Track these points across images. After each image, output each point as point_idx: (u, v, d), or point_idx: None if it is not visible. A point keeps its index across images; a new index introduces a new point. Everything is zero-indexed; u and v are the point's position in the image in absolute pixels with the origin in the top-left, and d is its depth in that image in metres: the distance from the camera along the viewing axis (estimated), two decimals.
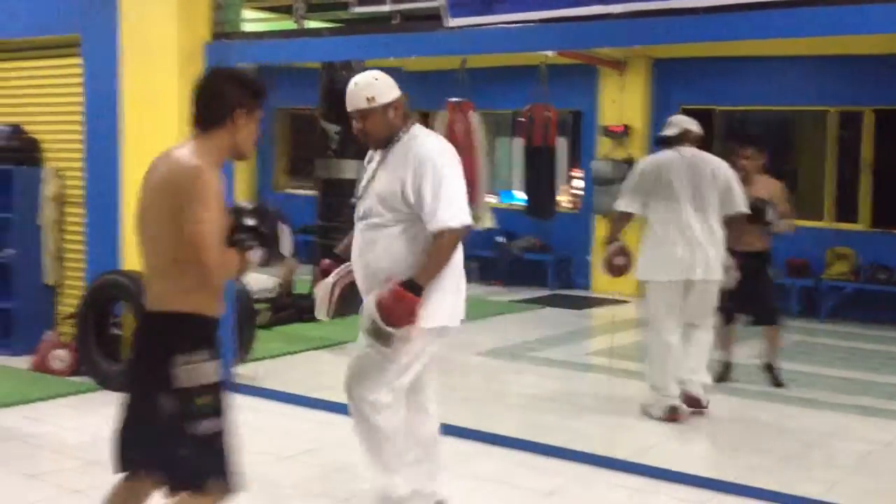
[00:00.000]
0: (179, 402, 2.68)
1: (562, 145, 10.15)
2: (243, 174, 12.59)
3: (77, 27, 6.37)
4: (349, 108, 3.53)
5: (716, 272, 5.39)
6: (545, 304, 10.09)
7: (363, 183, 3.62)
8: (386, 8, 5.18)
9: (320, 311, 3.73)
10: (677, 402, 5.43)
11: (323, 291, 3.71)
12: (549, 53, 8.85)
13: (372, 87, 3.51)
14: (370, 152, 3.67)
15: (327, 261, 3.81)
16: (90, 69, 6.32)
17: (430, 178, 3.39)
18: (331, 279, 3.71)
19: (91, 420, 5.21)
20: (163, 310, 2.76)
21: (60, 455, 4.68)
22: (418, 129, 3.59)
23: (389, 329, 3.36)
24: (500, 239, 11.02)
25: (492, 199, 10.89)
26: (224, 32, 5.93)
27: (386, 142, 3.54)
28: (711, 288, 5.44)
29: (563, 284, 11.12)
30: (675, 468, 4.56)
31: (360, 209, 3.60)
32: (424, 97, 9.75)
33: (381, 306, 3.35)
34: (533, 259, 11.18)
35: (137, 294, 5.64)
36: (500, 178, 11.71)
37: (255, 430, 5.09)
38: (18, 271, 6.62)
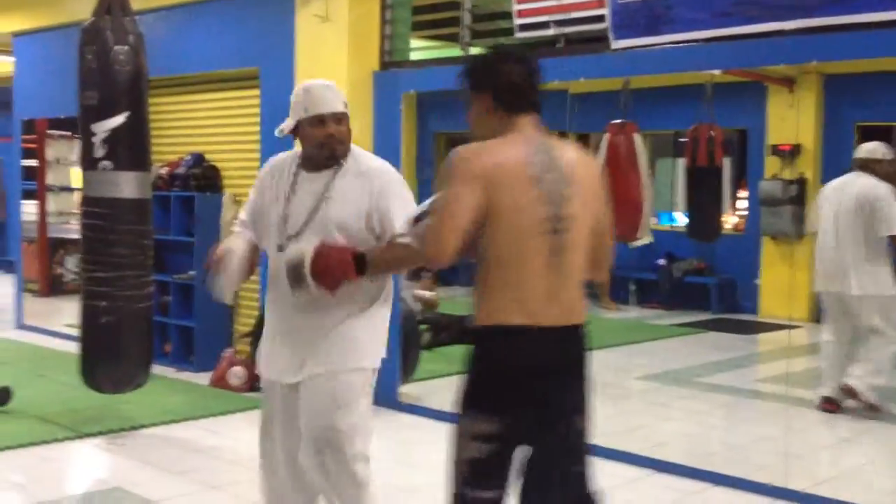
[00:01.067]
0: (586, 419, 2.61)
1: (726, 165, 9.89)
2: None
3: (257, 60, 6.73)
4: (325, 110, 3.02)
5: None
6: (709, 329, 9.81)
7: (286, 204, 3.11)
8: (550, 32, 5.22)
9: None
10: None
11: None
12: (716, 72, 8.65)
13: (341, 92, 3.13)
14: (282, 168, 3.19)
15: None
16: (267, 99, 6.65)
17: (400, 200, 3.06)
18: None
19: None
20: (582, 321, 2.60)
21: (236, 466, 4.92)
22: (358, 149, 3.19)
23: (309, 278, 2.92)
24: (661, 261, 10.81)
25: (652, 221, 10.73)
26: (393, 61, 6.13)
27: (335, 160, 3.09)
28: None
29: (727, 308, 10.78)
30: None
31: (288, 234, 3.09)
32: (587, 119, 9.71)
33: (318, 252, 2.92)
34: (694, 282, 10.90)
35: None
36: (660, 200, 11.50)
37: (426, 450, 5.22)
38: (200, 292, 7.02)
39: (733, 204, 11.14)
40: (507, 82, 2.55)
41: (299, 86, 3.19)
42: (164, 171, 7.43)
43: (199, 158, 7.34)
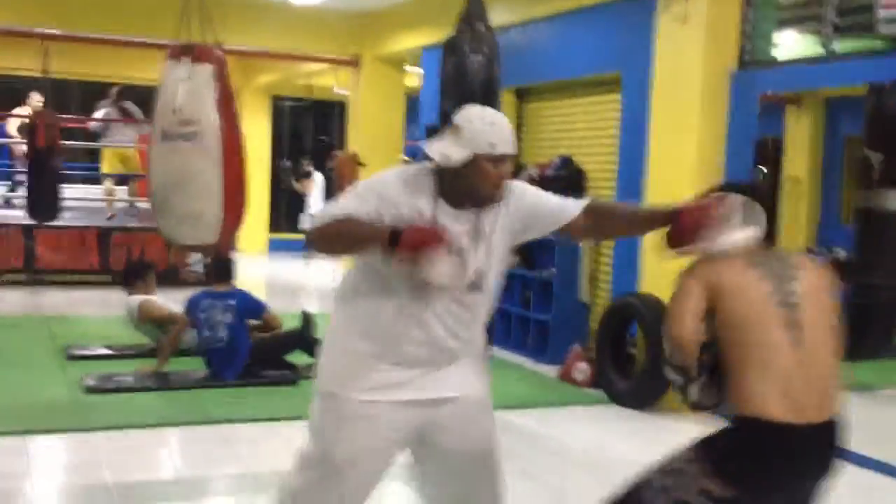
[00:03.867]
0: None
1: None
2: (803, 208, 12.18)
3: (619, 65, 6.86)
4: (510, 150, 2.68)
5: None
6: None
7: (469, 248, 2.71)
8: None
9: None
10: None
11: None
12: None
13: None
14: (418, 189, 2.70)
15: None
16: (626, 103, 6.75)
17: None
18: None
19: (593, 430, 5.58)
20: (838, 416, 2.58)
21: (556, 457, 5.09)
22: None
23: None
24: None
25: None
26: (752, 61, 5.90)
27: (493, 203, 2.74)
28: None
29: None
30: None
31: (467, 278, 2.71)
32: None
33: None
34: None
35: (648, 316, 5.90)
36: None
37: None
38: (558, 288, 7.30)
39: None
40: None
41: (476, 113, 2.70)
42: (534, 172, 7.82)
43: (566, 161, 7.62)
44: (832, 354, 2.58)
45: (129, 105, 12.02)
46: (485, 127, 2.65)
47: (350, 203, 2.65)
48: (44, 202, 9.41)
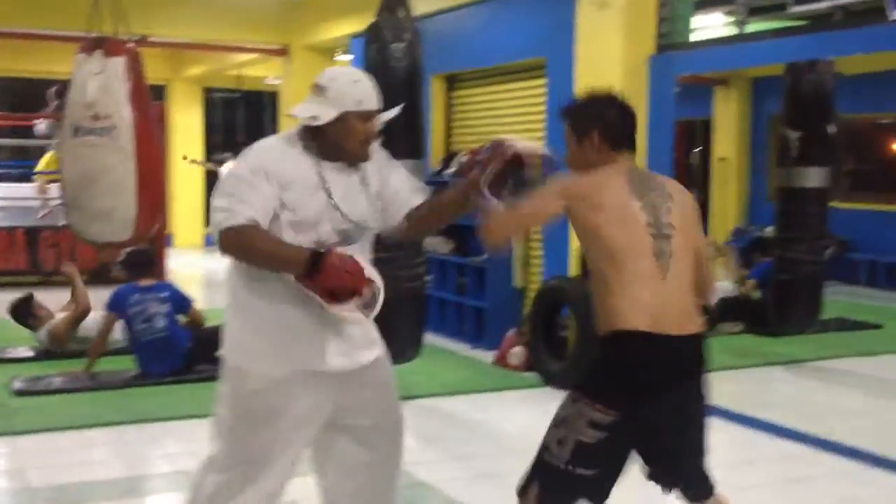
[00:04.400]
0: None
1: None
2: (732, 187, 12.41)
3: (544, 51, 6.91)
4: (375, 106, 2.75)
5: None
6: None
7: (338, 202, 2.73)
8: (824, 5, 4.83)
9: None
10: None
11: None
12: None
13: None
14: (292, 159, 2.72)
15: None
16: (552, 88, 6.81)
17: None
18: None
19: (528, 414, 5.64)
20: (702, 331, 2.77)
21: (488, 440, 5.15)
22: None
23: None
24: None
25: None
26: (669, 44, 6.00)
27: (367, 158, 2.84)
28: None
29: None
30: None
31: (339, 233, 2.75)
32: (862, 101, 8.76)
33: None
34: None
35: (579, 299, 5.97)
36: None
37: None
38: (492, 274, 7.35)
39: None
40: (611, 123, 2.83)
41: (339, 73, 2.75)
42: (464, 158, 7.86)
43: None
44: (691, 280, 2.75)
45: None
46: (349, 85, 2.70)
47: (245, 195, 2.60)
48: None
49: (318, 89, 2.72)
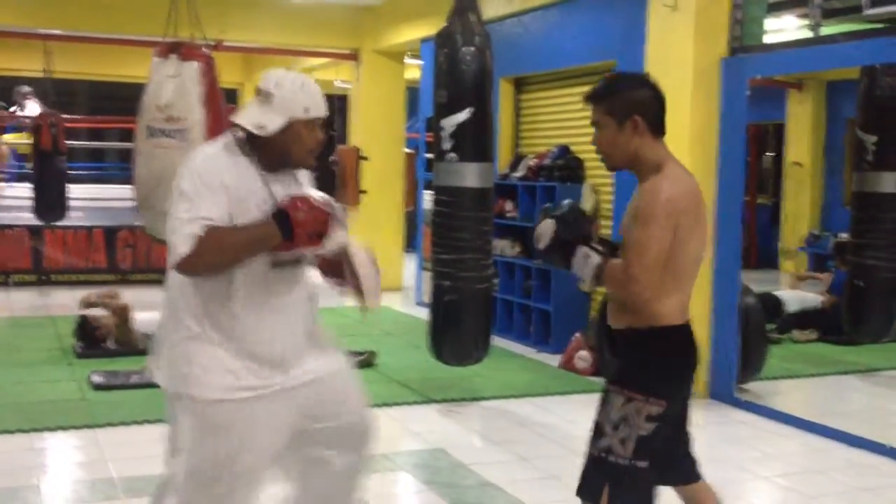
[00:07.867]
0: None
1: None
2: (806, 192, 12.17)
3: (614, 54, 6.88)
4: (322, 113, 2.65)
5: None
6: None
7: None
8: None
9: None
10: None
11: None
12: None
13: None
14: (232, 165, 2.59)
15: None
16: None
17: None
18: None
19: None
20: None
21: (552, 443, 5.16)
22: None
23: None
24: None
25: None
26: (742, 47, 5.93)
27: (310, 167, 2.79)
28: None
29: None
30: None
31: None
32: None
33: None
34: None
35: None
36: None
37: (744, 447, 5.08)
38: (558, 278, 7.35)
39: None
40: (652, 107, 2.81)
41: (284, 77, 2.64)
42: (532, 162, 7.88)
43: (564, 150, 7.67)
44: None
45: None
46: (296, 91, 2.59)
47: (202, 206, 2.47)
48: (50, 202, 9.53)
49: (263, 95, 2.60)
